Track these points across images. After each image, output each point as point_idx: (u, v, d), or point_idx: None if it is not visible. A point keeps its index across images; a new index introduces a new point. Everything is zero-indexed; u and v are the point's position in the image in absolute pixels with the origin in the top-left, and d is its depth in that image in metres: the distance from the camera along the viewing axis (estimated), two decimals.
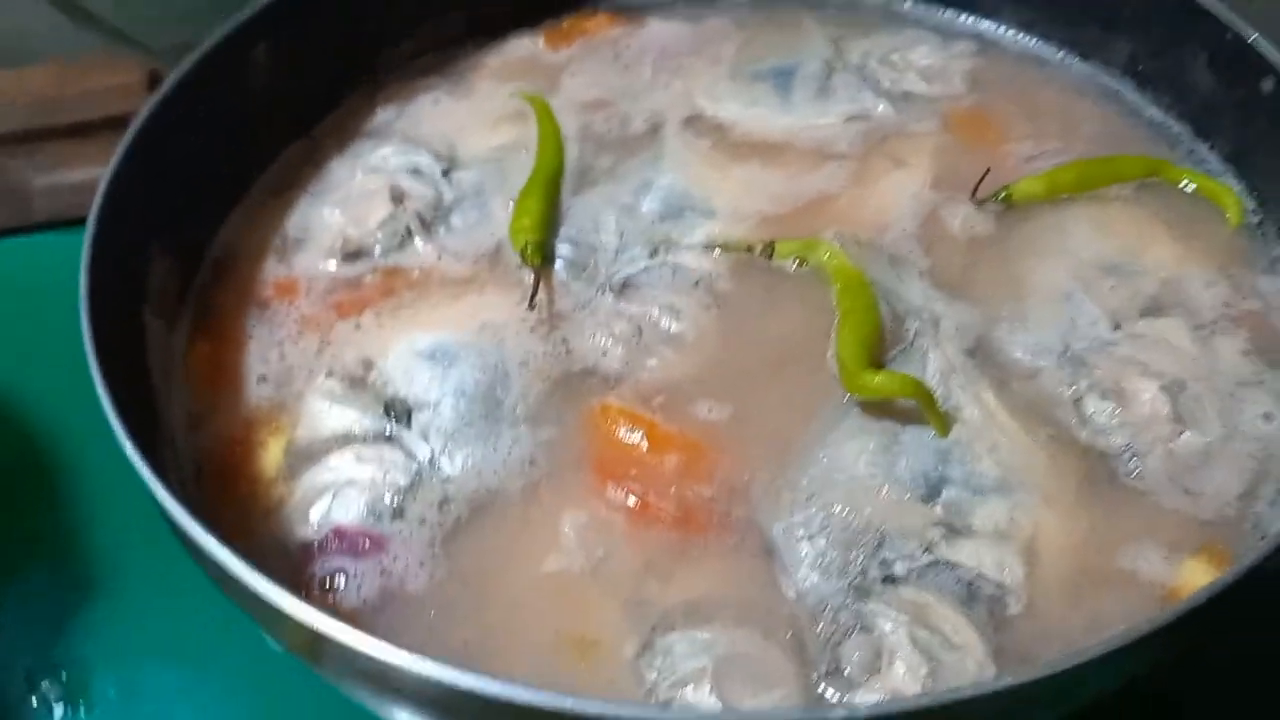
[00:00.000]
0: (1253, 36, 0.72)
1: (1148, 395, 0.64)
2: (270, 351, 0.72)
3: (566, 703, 0.45)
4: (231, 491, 0.65)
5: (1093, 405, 0.65)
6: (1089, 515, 0.61)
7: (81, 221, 0.66)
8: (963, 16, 0.91)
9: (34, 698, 0.73)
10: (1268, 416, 0.64)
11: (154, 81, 1.16)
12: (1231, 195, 0.75)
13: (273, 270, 0.76)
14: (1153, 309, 0.70)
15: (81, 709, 0.72)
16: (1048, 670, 0.47)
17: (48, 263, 0.89)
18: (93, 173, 0.70)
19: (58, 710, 0.72)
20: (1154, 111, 0.82)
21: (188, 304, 0.74)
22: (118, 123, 1.15)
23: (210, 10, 1.27)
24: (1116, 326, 0.69)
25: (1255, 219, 0.75)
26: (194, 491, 0.65)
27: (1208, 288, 0.71)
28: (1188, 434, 0.63)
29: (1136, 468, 0.63)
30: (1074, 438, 0.64)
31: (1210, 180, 0.76)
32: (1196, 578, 0.58)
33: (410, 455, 0.65)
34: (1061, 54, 0.87)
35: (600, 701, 0.46)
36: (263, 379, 0.70)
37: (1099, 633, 0.53)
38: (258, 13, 0.79)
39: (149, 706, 0.73)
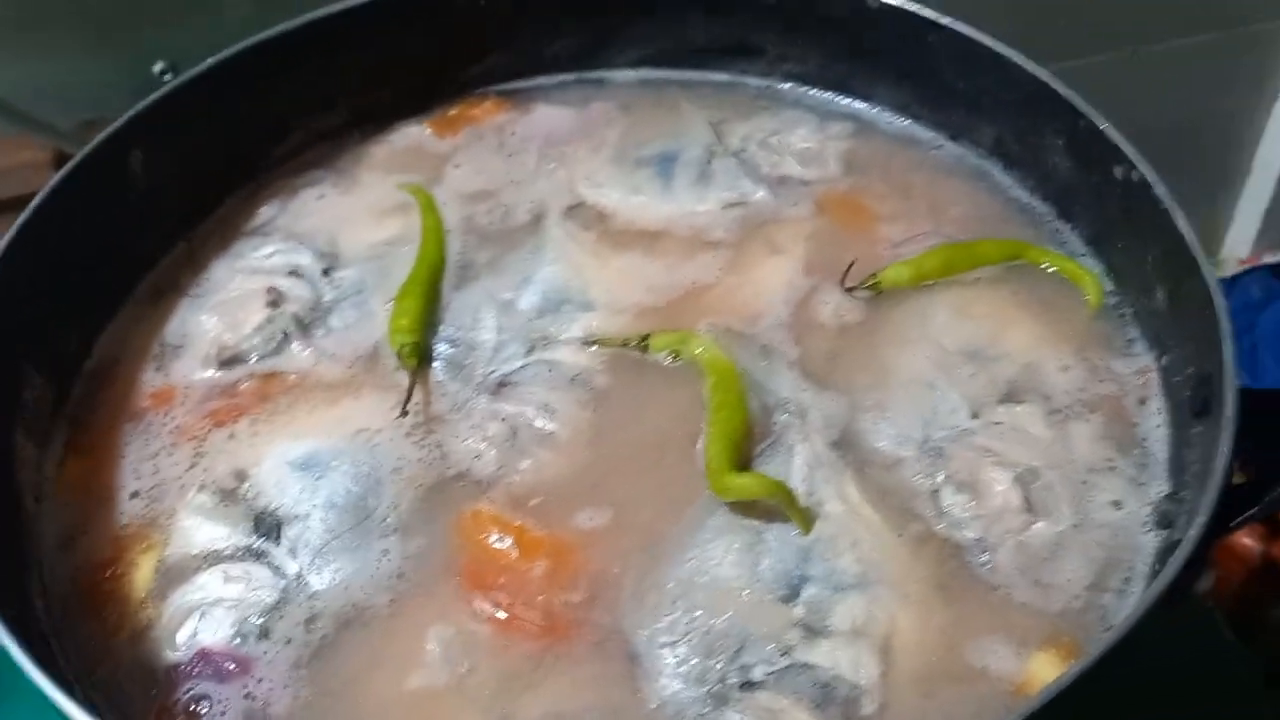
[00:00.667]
0: (1104, 125, 0.74)
1: (1000, 486, 0.66)
2: (144, 465, 0.72)
3: None
4: (101, 615, 0.65)
5: (949, 497, 0.66)
6: (944, 610, 0.63)
7: None
8: (840, 98, 0.93)
9: None
10: (1117, 504, 0.66)
11: (59, 161, 1.16)
12: (1091, 277, 0.77)
13: (150, 380, 0.77)
14: (1011, 395, 0.72)
15: None
16: None
17: None
18: None
19: None
20: (1020, 192, 0.84)
21: (60, 421, 0.74)
22: (22, 202, 1.15)
23: (116, 91, 1.27)
24: (975, 415, 0.70)
25: (1113, 300, 0.77)
26: (61, 615, 0.64)
27: (1063, 371, 0.73)
28: (1039, 524, 0.65)
29: (988, 561, 0.64)
30: (932, 531, 0.66)
31: (1070, 262, 0.78)
32: (1044, 671, 0.60)
33: (278, 572, 0.66)
34: (933, 134, 0.89)
35: None
36: (135, 495, 0.70)
37: None
38: (129, 120, 0.80)
39: None
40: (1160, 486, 0.67)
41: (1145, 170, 0.71)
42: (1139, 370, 0.73)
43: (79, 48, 1.23)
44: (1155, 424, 0.70)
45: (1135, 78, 1.76)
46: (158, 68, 1.21)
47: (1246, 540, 1.64)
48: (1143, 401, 0.71)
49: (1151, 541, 0.64)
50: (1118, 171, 0.74)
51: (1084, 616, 0.62)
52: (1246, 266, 2.04)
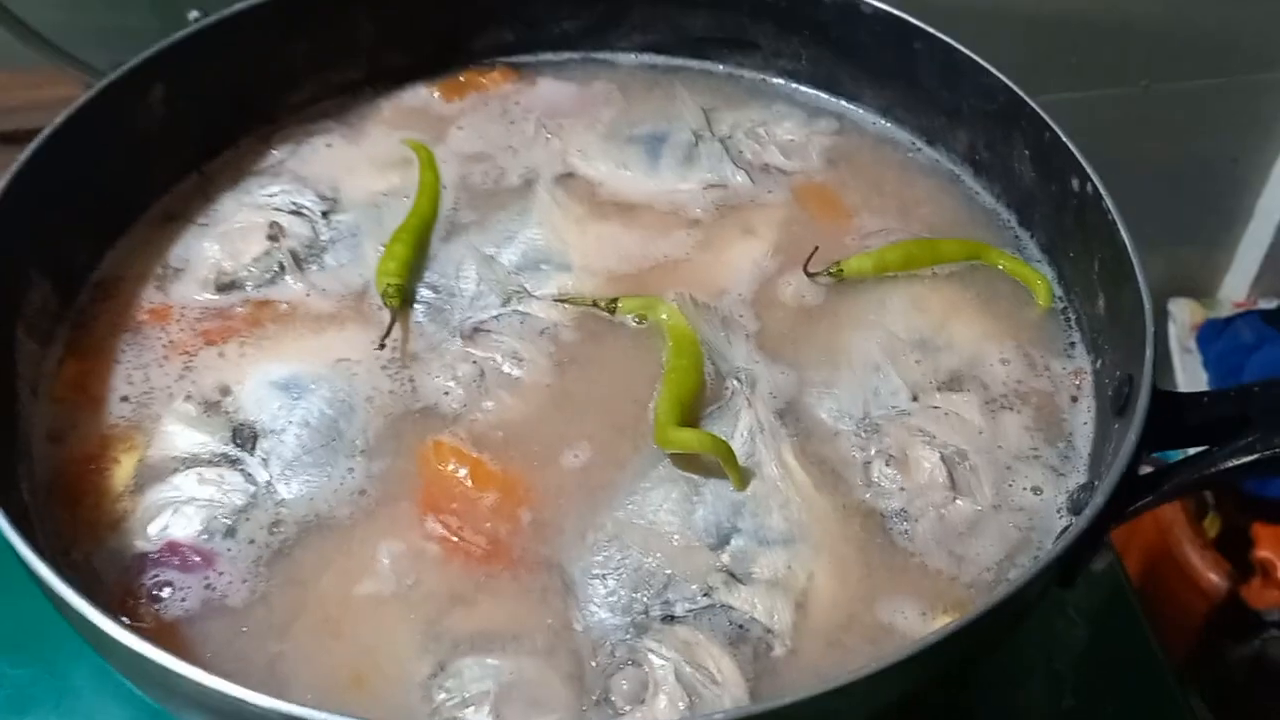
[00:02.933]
0: (1065, 137, 0.78)
1: (928, 464, 0.70)
2: (136, 374, 0.77)
3: None
4: (80, 504, 0.70)
5: (879, 470, 0.71)
6: (860, 570, 0.67)
7: None
8: (828, 96, 0.97)
9: None
10: (1036, 490, 0.70)
11: None
12: (1043, 281, 0.82)
13: (150, 297, 0.81)
14: (951, 383, 0.76)
15: None
16: (783, 701, 0.53)
17: None
18: None
19: None
20: (987, 198, 0.89)
21: (64, 324, 0.79)
22: None
23: (153, 31, 1.32)
24: (915, 398, 0.75)
25: (1060, 305, 0.81)
26: (44, 502, 0.69)
27: (1003, 364, 0.77)
28: (960, 501, 0.69)
29: (907, 529, 0.68)
30: (859, 499, 0.70)
31: (1023, 265, 0.83)
32: None
33: (250, 479, 0.70)
34: (911, 137, 0.94)
35: None
36: (125, 399, 0.75)
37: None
38: (155, 54, 0.85)
39: None
40: (1079, 478, 0.71)
41: (1098, 183, 0.75)
42: (1074, 371, 0.77)
43: None
44: (1083, 421, 0.74)
45: (1145, 115, 1.80)
46: (192, 15, 1.26)
47: (1213, 576, 1.68)
48: (1074, 400, 0.75)
49: (1063, 524, 0.68)
50: (1074, 183, 0.78)
51: (991, 589, 0.66)
52: (1240, 310, 2.07)
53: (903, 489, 0.70)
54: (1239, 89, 1.86)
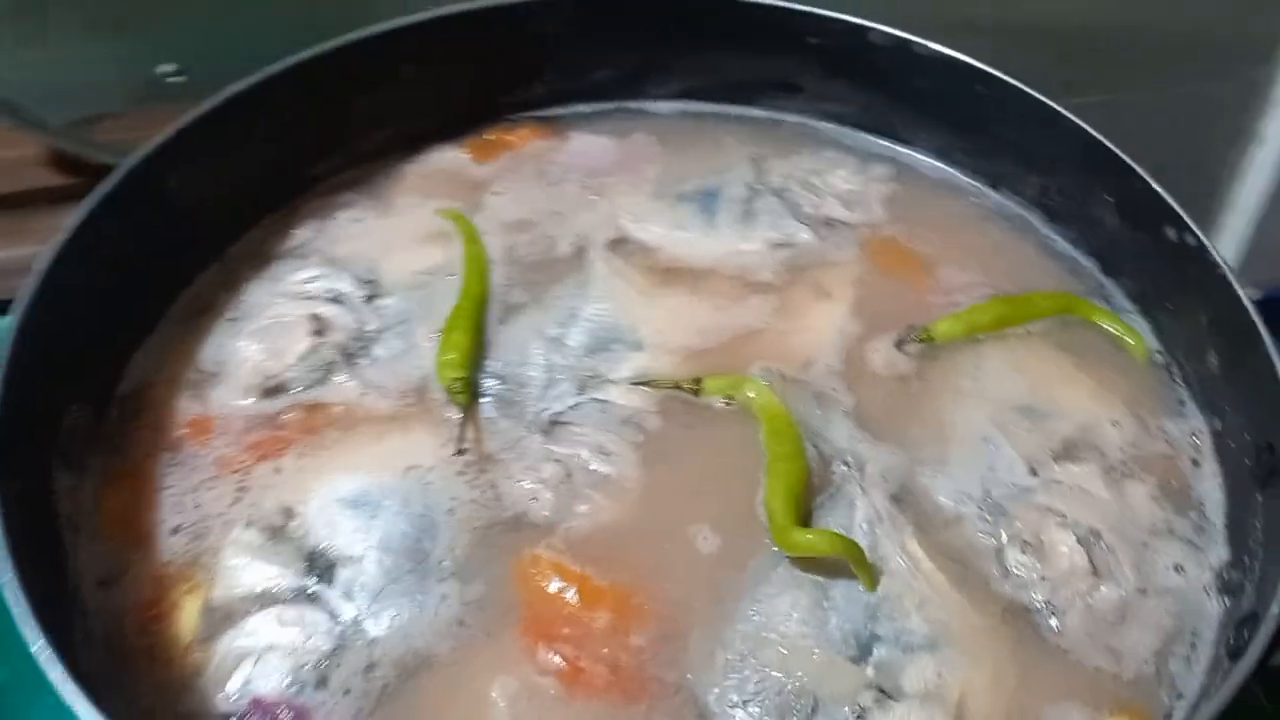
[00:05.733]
0: (1158, 187, 0.75)
1: (1065, 548, 0.66)
2: (185, 499, 0.69)
3: None
4: (144, 659, 0.62)
5: (1014, 558, 0.66)
6: (1014, 674, 0.62)
7: None
8: (879, 139, 0.93)
9: None
10: (1178, 568, 0.67)
11: (50, 158, 1.12)
12: (1137, 335, 0.78)
13: (186, 408, 0.74)
14: (1067, 452, 0.72)
15: None
16: None
17: None
18: None
19: None
20: (1063, 245, 0.85)
21: (96, 448, 0.71)
22: (15, 200, 1.11)
23: (114, 89, 1.23)
24: (1034, 472, 0.71)
25: (1160, 359, 0.77)
26: (104, 660, 0.62)
27: (1115, 427, 0.73)
28: (1104, 588, 0.65)
29: (1056, 624, 0.64)
30: (998, 591, 0.66)
31: (1118, 319, 0.79)
32: None
33: (334, 617, 0.64)
34: (974, 182, 0.90)
35: None
36: (177, 530, 0.68)
37: None
38: (175, 135, 0.77)
39: None
40: (1220, 552, 0.67)
41: (1200, 234, 0.72)
42: (1191, 432, 0.73)
43: (75, 42, 1.19)
44: (1209, 487, 0.71)
45: (1119, 113, 1.79)
46: (163, 69, 1.18)
47: None
48: (1196, 464, 0.72)
49: (1215, 608, 0.65)
50: (1170, 233, 0.75)
51: (1154, 685, 0.62)
52: None
53: (1044, 578, 0.65)
54: (1208, 85, 1.85)
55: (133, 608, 0.65)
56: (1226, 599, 0.65)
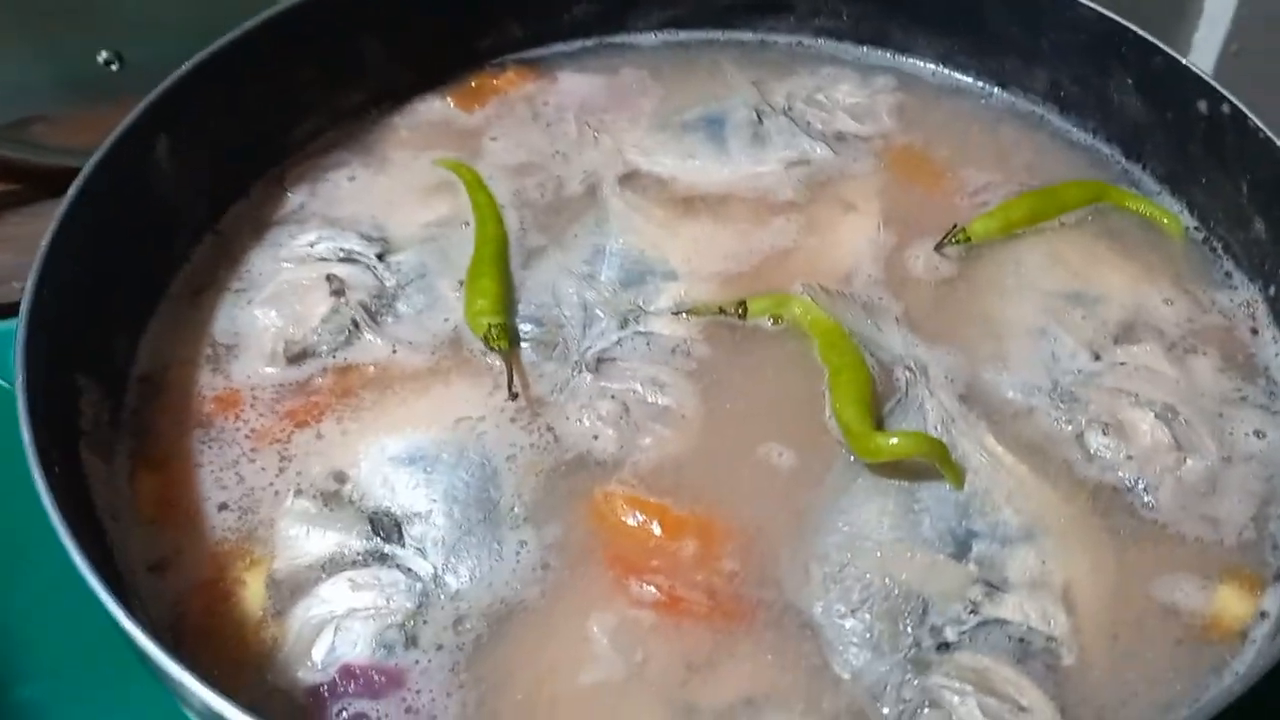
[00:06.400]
0: (1185, 58, 0.74)
1: (1145, 425, 0.65)
2: (226, 474, 0.65)
3: None
4: (216, 640, 0.58)
5: (1095, 440, 0.65)
6: (1115, 554, 0.61)
7: None
8: (877, 51, 0.91)
9: None
10: (1259, 434, 0.66)
11: None
12: (1172, 215, 0.77)
13: (209, 383, 0.70)
14: (1126, 334, 0.71)
15: None
16: None
17: None
18: None
19: None
20: (1081, 135, 0.84)
21: (121, 432, 0.67)
22: None
23: (55, 88, 1.16)
24: (1096, 356, 0.69)
25: (1199, 235, 0.77)
26: (173, 646, 0.58)
27: (1168, 305, 0.73)
28: (1190, 460, 0.64)
29: (1150, 500, 0.63)
30: (1084, 475, 0.64)
31: (1150, 202, 0.78)
32: (1232, 605, 0.59)
33: (411, 575, 0.60)
34: (979, 83, 0.88)
35: None
36: (224, 507, 0.64)
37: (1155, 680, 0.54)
38: (150, 106, 0.72)
39: None
40: None
41: (1237, 102, 0.71)
42: (1244, 302, 0.73)
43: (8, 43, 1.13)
44: (1274, 352, 0.70)
45: None
46: (102, 57, 1.12)
47: None
48: (1255, 332, 0.71)
49: None
50: (1201, 106, 0.74)
51: (1259, 549, 0.61)
52: None
53: (1129, 457, 0.64)
54: None
55: (192, 590, 0.60)
56: None
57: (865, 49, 0.91)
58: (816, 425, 0.67)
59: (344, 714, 0.55)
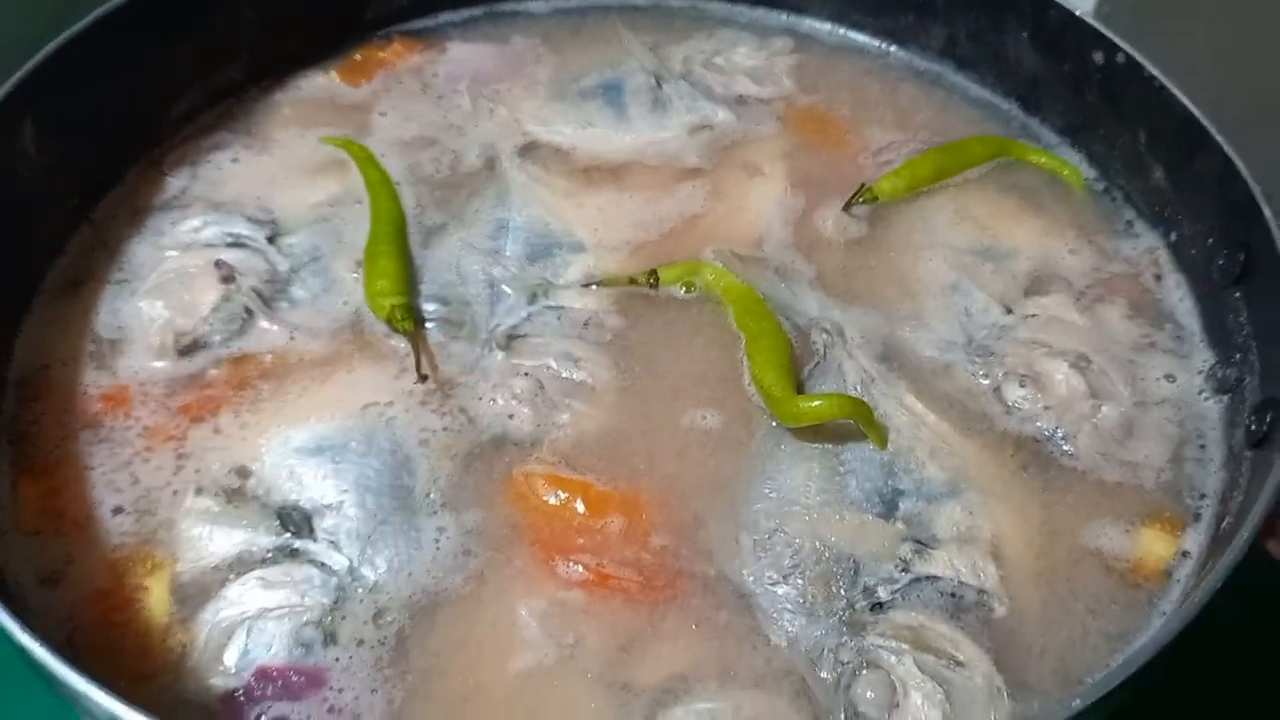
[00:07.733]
0: (1079, 9, 0.74)
1: (1060, 375, 0.65)
2: (118, 476, 0.61)
3: None
4: (117, 651, 0.55)
5: (1012, 393, 0.65)
6: (1038, 502, 0.61)
7: None
8: (773, 12, 0.90)
9: None
10: (1169, 377, 0.67)
11: None
12: (1072, 167, 0.78)
13: (94, 381, 0.65)
14: (1035, 286, 0.71)
15: None
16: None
17: None
18: None
19: None
20: (979, 91, 0.84)
21: None
22: None
23: None
24: (1008, 310, 0.70)
25: (1100, 185, 0.78)
26: (71, 660, 0.54)
27: (1073, 255, 0.73)
28: (1105, 407, 0.64)
29: (1070, 449, 0.63)
30: (1004, 428, 0.64)
31: (1050, 155, 0.79)
32: (1155, 546, 0.59)
33: (326, 569, 0.57)
34: (876, 42, 0.88)
35: None
36: (119, 510, 0.60)
37: (1087, 625, 0.55)
38: (15, 87, 0.67)
39: None
40: (1203, 355, 0.68)
41: (1132, 52, 0.72)
42: (1147, 249, 0.74)
43: None
44: (1178, 298, 0.71)
45: None
46: None
47: None
48: (1159, 278, 0.72)
49: (1214, 408, 0.65)
50: (1097, 57, 0.74)
51: (1176, 490, 0.62)
52: None
53: (1047, 407, 0.64)
54: None
55: (87, 600, 0.56)
56: (1224, 397, 0.65)
57: (761, 10, 0.90)
58: (737, 392, 0.66)
59: (263, 718, 0.52)
